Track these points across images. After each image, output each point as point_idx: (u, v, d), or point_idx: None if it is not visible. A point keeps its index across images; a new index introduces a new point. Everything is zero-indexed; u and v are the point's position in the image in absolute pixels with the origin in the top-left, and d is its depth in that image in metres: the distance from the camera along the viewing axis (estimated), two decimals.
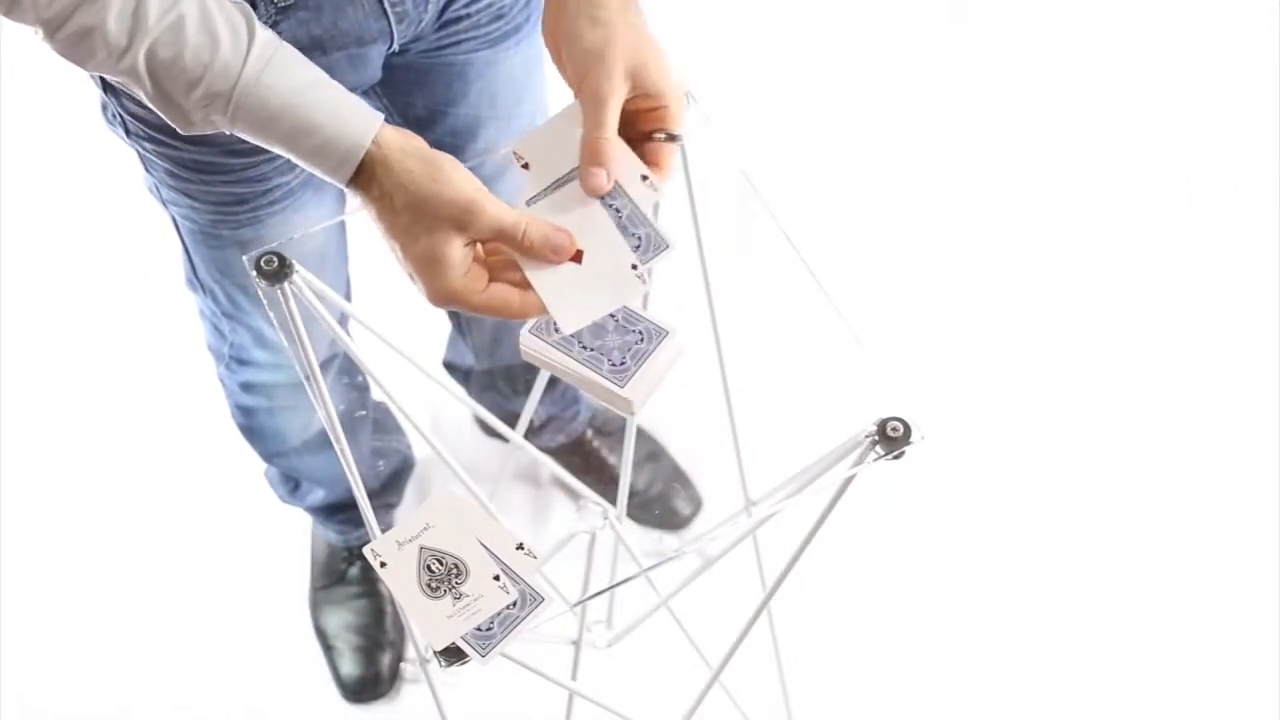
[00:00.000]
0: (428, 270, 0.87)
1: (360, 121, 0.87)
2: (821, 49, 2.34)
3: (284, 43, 0.88)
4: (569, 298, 0.89)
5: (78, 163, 2.15)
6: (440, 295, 0.88)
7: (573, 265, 0.90)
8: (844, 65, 2.32)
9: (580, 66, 0.90)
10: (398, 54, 1.13)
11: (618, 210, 0.91)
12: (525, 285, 0.90)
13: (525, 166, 0.93)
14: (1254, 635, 1.76)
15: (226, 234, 1.19)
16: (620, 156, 0.91)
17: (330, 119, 0.87)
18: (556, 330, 0.91)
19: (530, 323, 0.93)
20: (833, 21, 2.38)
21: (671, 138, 0.92)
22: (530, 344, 0.93)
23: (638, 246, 0.90)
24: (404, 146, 0.88)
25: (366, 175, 0.87)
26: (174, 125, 0.89)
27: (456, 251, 0.87)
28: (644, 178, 0.91)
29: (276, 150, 0.89)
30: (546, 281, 0.89)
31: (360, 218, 0.93)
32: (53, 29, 0.84)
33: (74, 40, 0.84)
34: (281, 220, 1.18)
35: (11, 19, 0.85)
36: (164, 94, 0.87)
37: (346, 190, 0.89)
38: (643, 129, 0.92)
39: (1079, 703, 1.71)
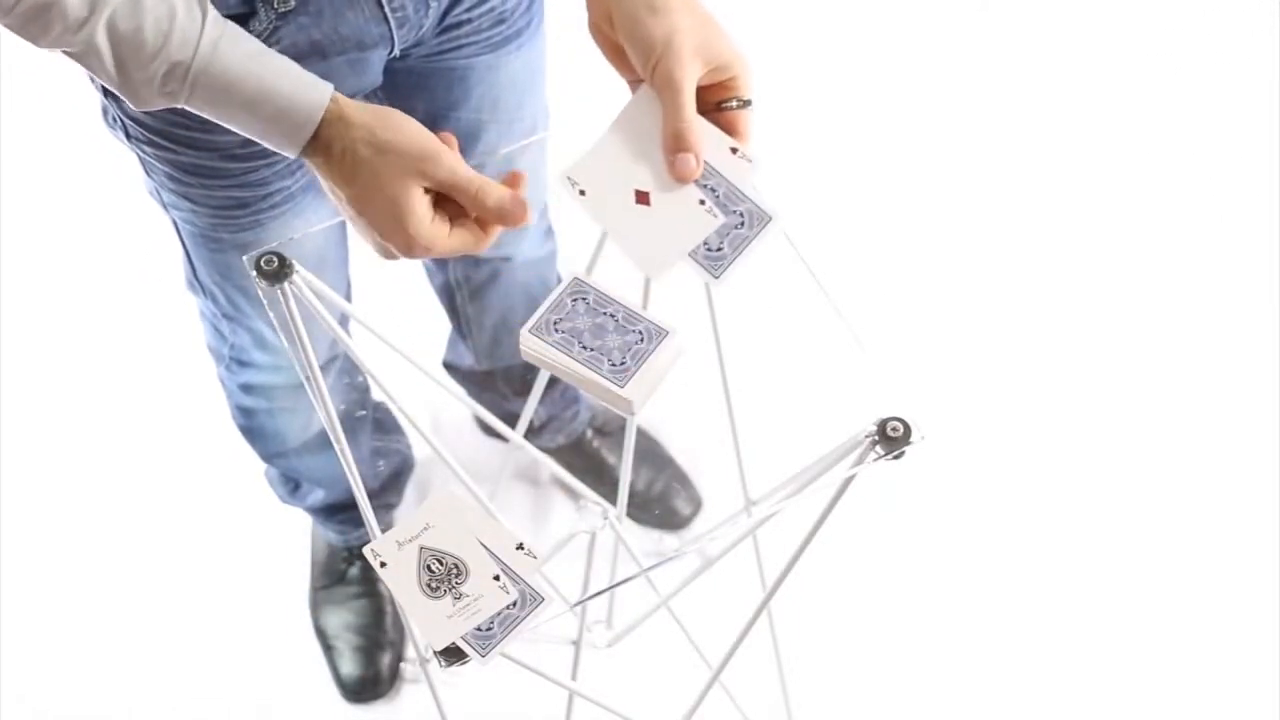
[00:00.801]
0: (395, 220, 0.89)
1: (316, 81, 0.90)
2: (821, 48, 2.34)
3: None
4: (649, 243, 0.90)
5: (78, 166, 2.15)
6: (410, 243, 0.89)
7: (643, 209, 0.90)
8: (843, 64, 2.32)
9: (647, 54, 0.89)
10: (399, 59, 1.13)
11: (713, 190, 0.90)
12: (482, 225, 0.92)
13: (582, 194, 0.92)
14: (1254, 635, 1.76)
15: (227, 237, 1.19)
16: (706, 136, 0.90)
17: (288, 82, 0.89)
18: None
19: (530, 322, 0.93)
20: (832, 21, 2.38)
21: (744, 104, 0.91)
22: (530, 344, 0.93)
23: (740, 224, 0.90)
24: (356, 103, 0.90)
25: (326, 135, 0.89)
26: (128, 100, 0.90)
27: (421, 197, 0.88)
28: (734, 150, 0.91)
29: (231, 123, 0.91)
30: (623, 232, 0.90)
31: None
32: (9, 4, 0.84)
33: (31, 15, 0.84)
34: (282, 224, 1.19)
35: None
36: (122, 66, 0.87)
37: (303, 158, 0.91)
38: (712, 100, 0.92)
39: (1079, 703, 1.71)
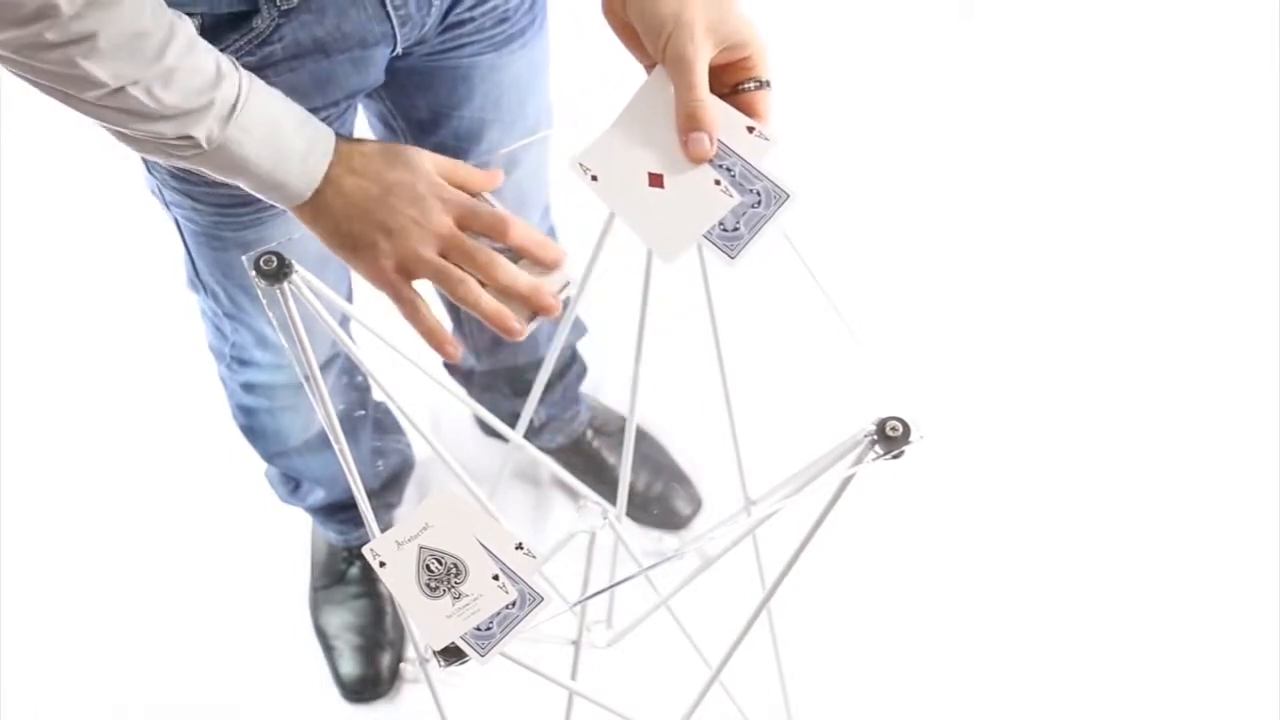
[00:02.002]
0: (399, 174, 0.92)
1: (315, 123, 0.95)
2: (821, 47, 2.34)
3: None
4: (663, 226, 0.88)
5: (79, 165, 2.15)
6: (425, 201, 0.92)
7: (656, 192, 0.88)
8: (843, 63, 2.33)
9: (658, 32, 0.86)
10: (401, 57, 1.13)
11: (729, 170, 0.88)
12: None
13: (594, 179, 0.90)
14: (1255, 634, 1.76)
15: (229, 235, 1.19)
16: (720, 115, 0.88)
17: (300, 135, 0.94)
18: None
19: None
20: (832, 20, 2.38)
21: (762, 85, 0.89)
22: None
23: (757, 203, 0.87)
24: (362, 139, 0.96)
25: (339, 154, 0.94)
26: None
27: (426, 159, 0.92)
28: (750, 129, 0.88)
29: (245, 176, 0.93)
30: (637, 216, 0.88)
31: None
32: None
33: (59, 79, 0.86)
34: (285, 222, 1.18)
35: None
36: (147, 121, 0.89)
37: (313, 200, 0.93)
38: (728, 82, 0.89)
39: (1079, 703, 1.71)
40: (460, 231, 0.93)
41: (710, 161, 0.88)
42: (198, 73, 0.87)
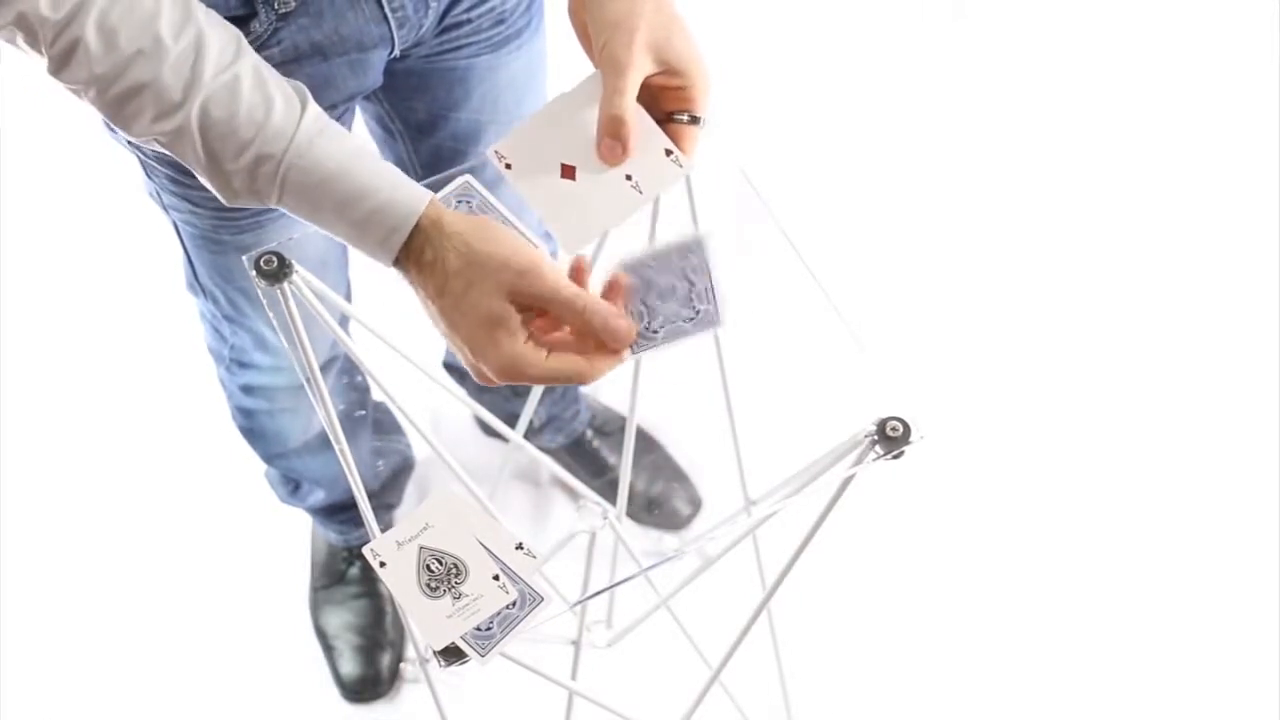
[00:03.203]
0: (490, 336, 0.82)
1: (413, 186, 0.85)
2: (820, 47, 2.34)
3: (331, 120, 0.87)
4: (572, 217, 0.88)
5: (79, 169, 2.15)
6: (504, 363, 0.83)
7: (568, 184, 0.88)
8: (843, 63, 2.32)
9: (601, 35, 0.87)
10: (399, 59, 1.12)
11: (636, 185, 0.88)
12: (583, 349, 0.85)
13: (508, 167, 0.90)
14: (1255, 634, 1.76)
15: (228, 239, 1.19)
16: (640, 128, 0.88)
17: (385, 183, 0.85)
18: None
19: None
20: (832, 19, 2.38)
21: (694, 119, 0.89)
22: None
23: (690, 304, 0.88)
24: (454, 212, 0.86)
25: (419, 240, 0.84)
26: (218, 194, 0.87)
27: (514, 319, 0.82)
28: (668, 152, 0.88)
29: (318, 224, 0.87)
30: (546, 205, 0.88)
31: None
32: (105, 85, 0.82)
33: (124, 98, 0.83)
34: (284, 225, 1.18)
35: (60, 79, 0.83)
36: (212, 155, 0.85)
37: (395, 268, 0.86)
38: (665, 109, 0.90)
39: (1079, 702, 1.71)
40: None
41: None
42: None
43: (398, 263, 0.86)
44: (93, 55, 0.81)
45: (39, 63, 0.83)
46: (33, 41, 0.82)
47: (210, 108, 0.84)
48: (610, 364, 0.85)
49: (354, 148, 0.86)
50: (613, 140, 0.87)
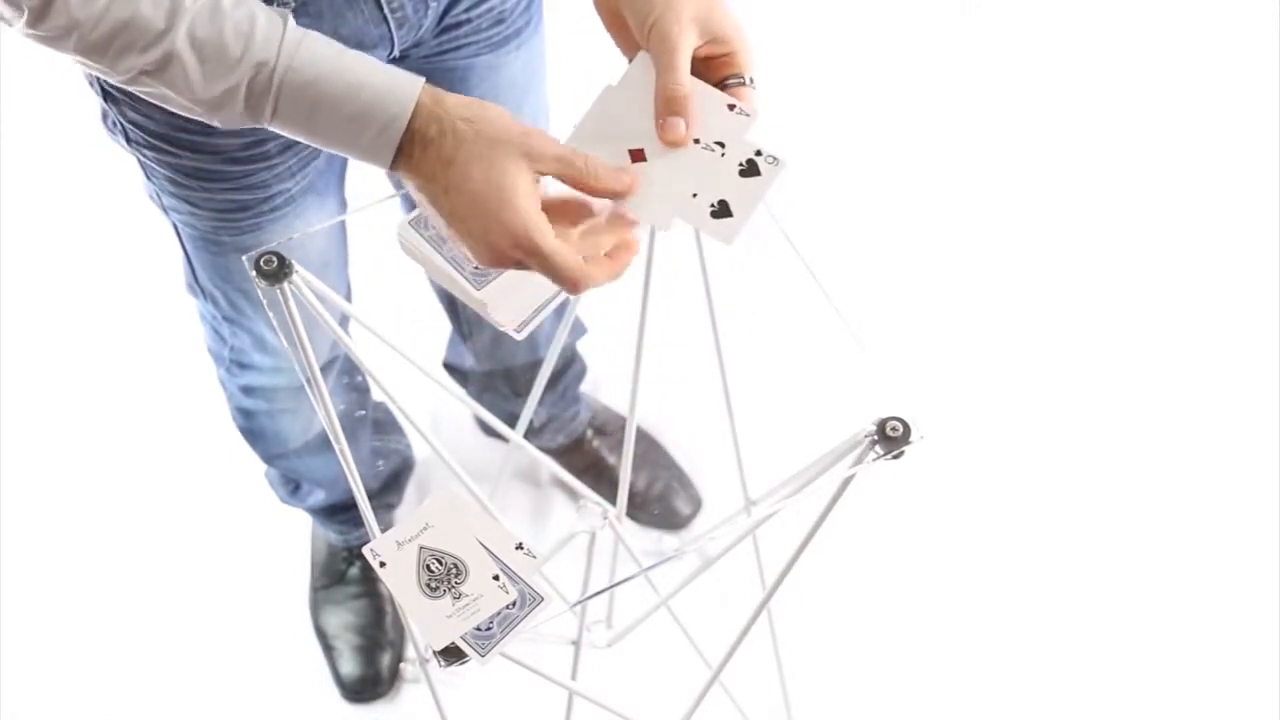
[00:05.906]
0: (499, 205, 0.82)
1: (406, 73, 0.86)
2: (828, 43, 2.34)
3: None
4: (649, 199, 0.88)
5: (78, 171, 2.15)
6: (518, 226, 0.82)
7: (640, 166, 0.88)
8: (850, 60, 2.33)
9: (644, 18, 0.88)
10: (398, 59, 1.13)
11: (719, 146, 0.89)
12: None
13: None
14: (1255, 634, 1.76)
15: (228, 240, 1.19)
16: (701, 95, 0.89)
17: (379, 71, 0.85)
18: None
19: (412, 215, 0.92)
20: (839, 16, 2.38)
21: (744, 81, 0.90)
22: (406, 236, 0.93)
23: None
24: (447, 91, 0.86)
25: (422, 119, 0.84)
26: (212, 119, 0.87)
27: (528, 178, 0.83)
28: (731, 106, 0.89)
29: (313, 132, 0.86)
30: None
31: (361, 219, 0.92)
32: (87, 29, 0.82)
33: (108, 39, 0.83)
34: (283, 226, 1.19)
35: (40, 30, 0.83)
36: (204, 76, 0.84)
37: (398, 167, 0.86)
38: (715, 77, 0.91)
39: (1079, 702, 1.71)
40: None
41: (698, 141, 0.88)
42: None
43: (399, 156, 0.85)
44: (71, 1, 0.81)
45: (15, 19, 0.83)
46: None
47: (195, 29, 0.83)
48: (604, 274, 0.86)
49: (340, 46, 0.87)
50: (675, 118, 0.88)
